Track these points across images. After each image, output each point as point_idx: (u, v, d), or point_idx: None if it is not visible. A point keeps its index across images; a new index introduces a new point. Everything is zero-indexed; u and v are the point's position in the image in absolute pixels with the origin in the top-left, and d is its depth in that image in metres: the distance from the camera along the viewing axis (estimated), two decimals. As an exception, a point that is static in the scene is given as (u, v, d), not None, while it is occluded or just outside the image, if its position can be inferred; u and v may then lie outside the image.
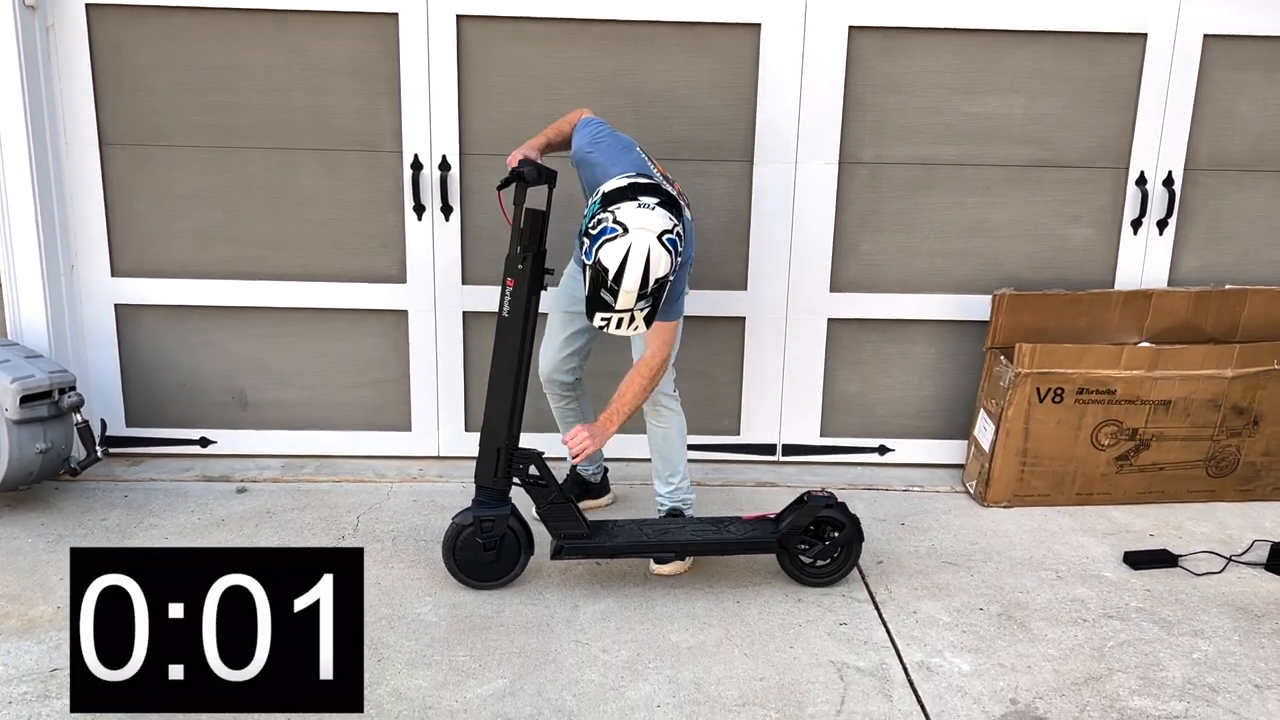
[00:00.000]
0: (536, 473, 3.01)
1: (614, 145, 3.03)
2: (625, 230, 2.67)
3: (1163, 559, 3.34)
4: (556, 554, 3.04)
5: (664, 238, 2.69)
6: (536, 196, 3.01)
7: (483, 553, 3.02)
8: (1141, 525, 3.64)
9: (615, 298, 2.70)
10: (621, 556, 3.08)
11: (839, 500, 3.14)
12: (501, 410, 2.99)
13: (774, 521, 3.14)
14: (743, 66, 3.74)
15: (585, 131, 3.06)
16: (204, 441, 4.02)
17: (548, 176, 3.05)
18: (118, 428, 3.99)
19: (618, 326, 2.77)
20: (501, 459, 3.00)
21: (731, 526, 3.15)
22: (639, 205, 2.70)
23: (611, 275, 2.68)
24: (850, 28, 3.69)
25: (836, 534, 3.11)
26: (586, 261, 2.73)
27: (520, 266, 2.96)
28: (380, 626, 2.85)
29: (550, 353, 3.38)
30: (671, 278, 2.75)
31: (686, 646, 2.81)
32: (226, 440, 4.03)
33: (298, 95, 3.72)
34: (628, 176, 2.79)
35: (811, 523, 3.09)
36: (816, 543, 3.11)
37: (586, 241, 2.73)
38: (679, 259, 2.76)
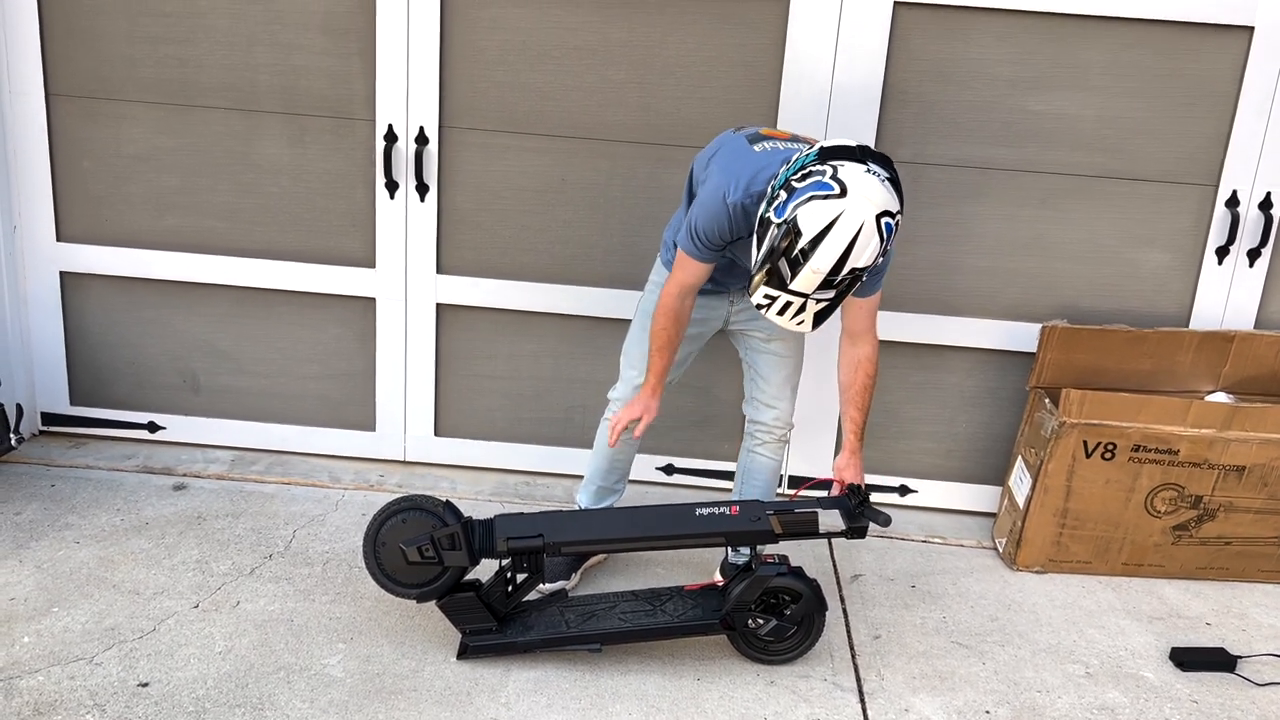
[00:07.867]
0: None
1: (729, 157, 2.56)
2: (843, 192, 2.22)
3: (1218, 661, 2.80)
4: (462, 653, 2.59)
5: (883, 220, 2.24)
6: None
7: None
8: (1198, 609, 3.10)
9: (794, 274, 2.25)
10: (538, 650, 2.59)
11: (794, 566, 2.63)
12: None
13: (721, 593, 2.67)
14: (768, 44, 3.22)
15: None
16: (152, 426, 3.67)
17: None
18: (61, 406, 3.66)
19: (780, 313, 2.32)
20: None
21: (670, 604, 2.68)
22: (867, 170, 2.25)
23: (804, 242, 2.22)
24: (895, 3, 3.16)
25: (794, 605, 2.62)
26: (775, 219, 2.27)
27: None
28: (275, 680, 2.47)
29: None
30: (865, 277, 2.32)
31: (626, 736, 2.37)
32: (177, 427, 3.67)
33: (262, 52, 3.30)
34: (845, 141, 2.35)
35: (763, 593, 2.61)
36: (769, 619, 2.61)
37: (783, 195, 2.28)
38: (885, 255, 2.33)
